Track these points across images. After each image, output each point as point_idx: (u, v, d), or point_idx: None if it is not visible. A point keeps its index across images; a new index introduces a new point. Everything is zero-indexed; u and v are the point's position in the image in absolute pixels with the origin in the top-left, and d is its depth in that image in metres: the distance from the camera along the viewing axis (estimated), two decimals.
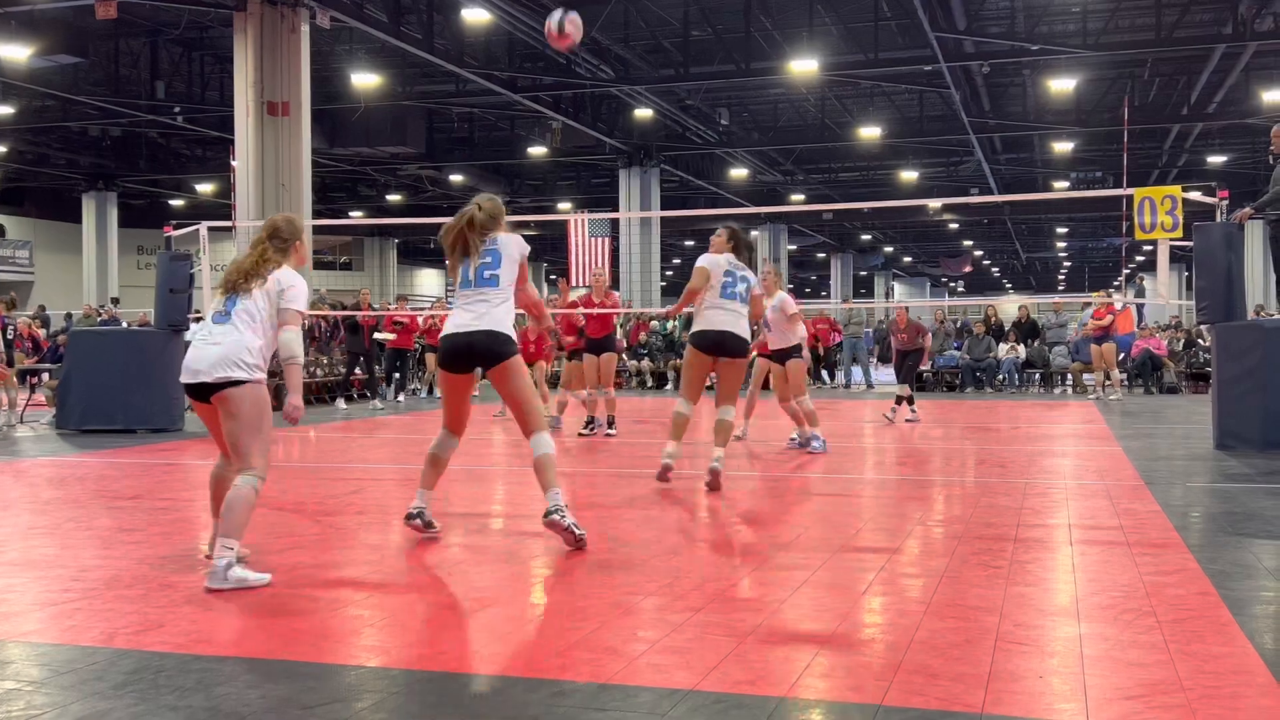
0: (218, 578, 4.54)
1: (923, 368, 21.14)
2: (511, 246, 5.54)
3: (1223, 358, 9.89)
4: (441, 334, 5.51)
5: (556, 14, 7.18)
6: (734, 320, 7.27)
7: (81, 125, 29.84)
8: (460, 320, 5.41)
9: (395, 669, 3.53)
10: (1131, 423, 13.11)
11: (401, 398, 17.66)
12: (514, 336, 5.43)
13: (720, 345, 7.26)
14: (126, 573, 4.93)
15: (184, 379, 4.84)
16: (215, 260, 14.68)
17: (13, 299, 13.72)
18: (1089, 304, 21.34)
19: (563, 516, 5.29)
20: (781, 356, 10.23)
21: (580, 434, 11.63)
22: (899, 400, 13.50)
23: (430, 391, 19.09)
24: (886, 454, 10.25)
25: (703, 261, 7.44)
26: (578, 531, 5.32)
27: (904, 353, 13.69)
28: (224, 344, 4.74)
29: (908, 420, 13.31)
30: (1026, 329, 21.11)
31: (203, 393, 4.79)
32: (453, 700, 3.23)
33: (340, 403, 16.55)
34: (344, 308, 18.90)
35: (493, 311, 5.39)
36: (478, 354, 5.40)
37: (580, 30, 7.25)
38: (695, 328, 7.35)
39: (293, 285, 4.89)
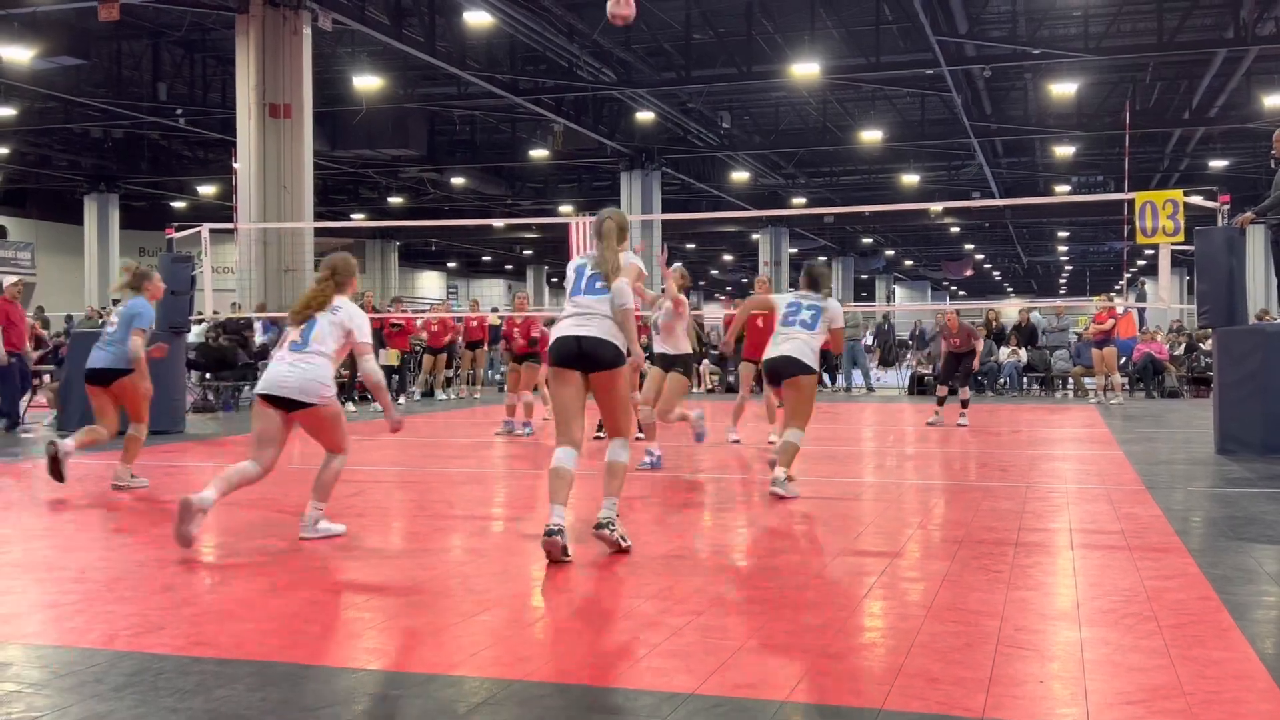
0: (308, 528, 5.69)
1: (924, 372, 21.20)
2: (630, 267, 5.55)
3: (1224, 362, 9.89)
4: (552, 337, 5.53)
5: None
6: (792, 345, 7.34)
7: (83, 127, 29.87)
8: (570, 325, 5.41)
9: (396, 671, 3.53)
10: (1132, 427, 13.10)
11: (402, 400, 17.67)
12: (623, 348, 5.40)
13: (776, 372, 7.40)
14: (127, 575, 4.93)
15: (269, 391, 5.68)
16: (217, 262, 14.74)
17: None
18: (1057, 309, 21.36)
19: (613, 530, 5.28)
20: (668, 364, 9.34)
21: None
22: (963, 404, 13.59)
23: (429, 394, 19.09)
24: (886, 457, 10.25)
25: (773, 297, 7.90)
26: (624, 544, 5.30)
27: (957, 355, 13.78)
28: (306, 370, 5.67)
29: (929, 423, 13.29)
30: (1026, 333, 21.12)
31: (284, 405, 5.68)
32: (452, 703, 3.23)
33: (350, 405, 16.57)
34: None
35: (603, 320, 5.38)
36: (586, 358, 5.35)
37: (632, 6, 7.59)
38: (764, 356, 7.59)
39: (360, 321, 5.85)
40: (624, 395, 5.47)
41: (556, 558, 5.13)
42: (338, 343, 5.79)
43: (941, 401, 13.64)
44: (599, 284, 5.46)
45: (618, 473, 5.39)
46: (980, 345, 14.28)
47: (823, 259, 10.12)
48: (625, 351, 5.40)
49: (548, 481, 5.33)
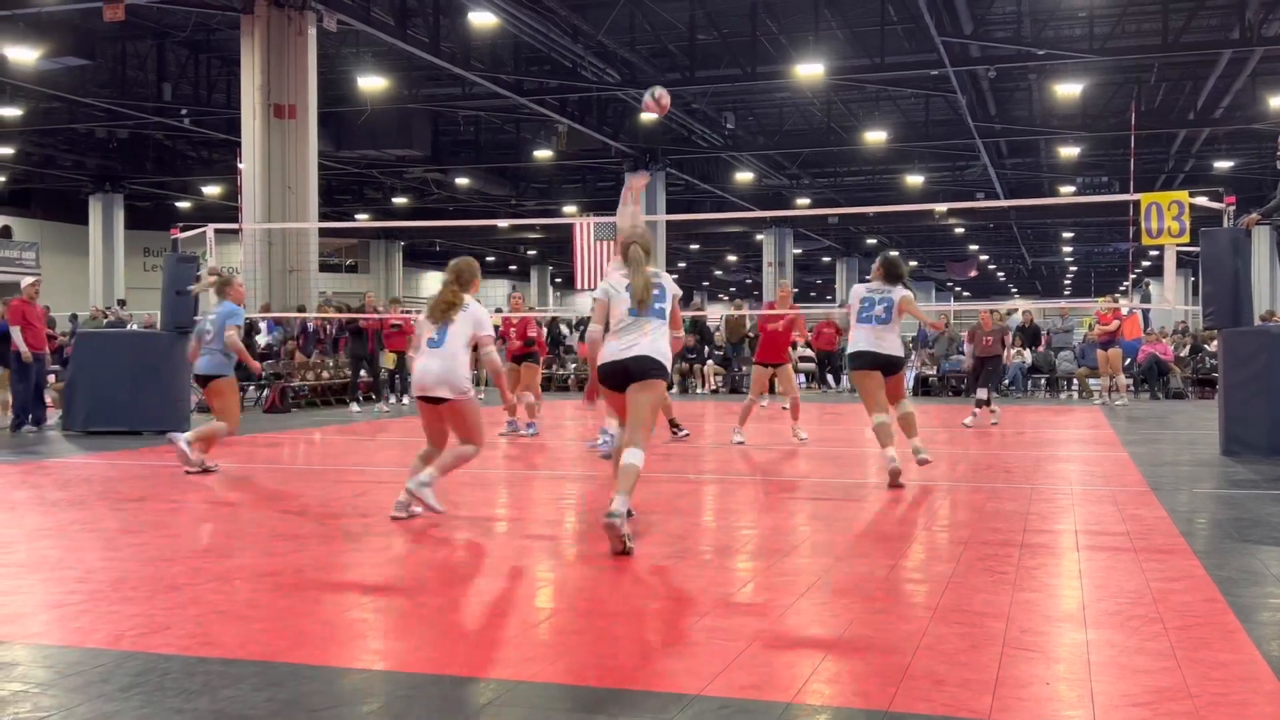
0: (415, 485, 6.32)
1: (929, 372, 21.16)
2: (670, 285, 6.03)
3: (1229, 363, 9.87)
4: (600, 360, 5.86)
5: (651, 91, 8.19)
6: (876, 338, 8.03)
7: (88, 127, 29.90)
8: (621, 345, 5.78)
9: (401, 672, 3.53)
10: (1137, 428, 13.08)
11: (406, 400, 17.67)
12: (665, 363, 5.79)
13: (876, 363, 8.05)
14: (132, 574, 4.93)
15: (417, 393, 6.56)
16: (221, 262, 14.71)
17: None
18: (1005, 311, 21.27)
19: (622, 524, 5.31)
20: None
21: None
22: (979, 404, 13.57)
23: None
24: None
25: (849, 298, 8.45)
26: (629, 544, 5.32)
27: (984, 359, 13.82)
28: (444, 365, 6.40)
29: (992, 424, 13.37)
30: (1029, 334, 21.10)
31: (431, 400, 6.46)
32: (457, 704, 3.23)
33: (354, 406, 16.58)
34: (349, 310, 18.90)
35: (651, 339, 5.78)
36: (631, 374, 5.74)
37: (664, 103, 8.21)
38: (850, 349, 8.28)
39: (482, 317, 6.60)
40: (654, 404, 5.80)
41: (616, 545, 5.30)
42: (467, 338, 6.53)
43: (988, 403, 13.63)
44: (657, 305, 5.88)
45: (631, 474, 5.54)
46: (1012, 347, 14.43)
47: (890, 258, 10.46)
48: (666, 369, 5.79)
49: (616, 474, 5.65)
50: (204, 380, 8.79)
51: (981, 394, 13.63)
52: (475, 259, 6.86)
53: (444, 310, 6.54)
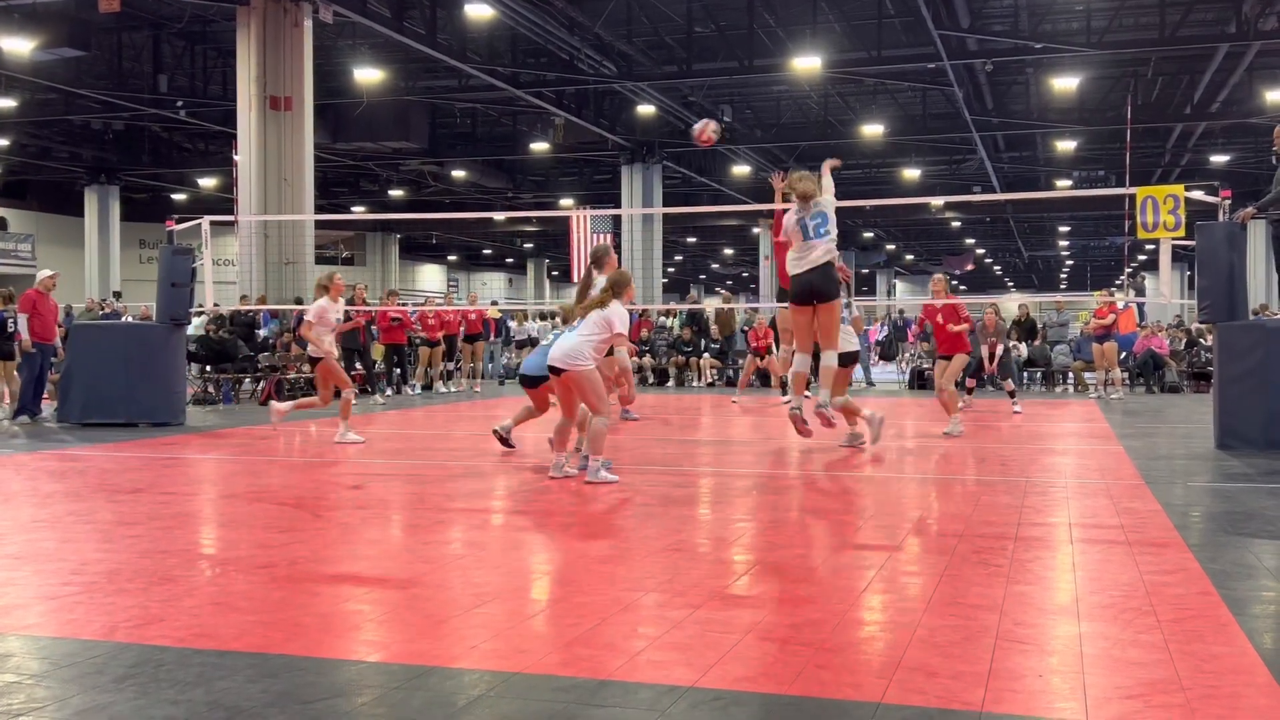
0: (593, 474, 7.46)
1: (926, 366, 21.18)
2: (830, 207, 8.36)
3: (1224, 357, 9.89)
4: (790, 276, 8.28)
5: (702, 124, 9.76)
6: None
7: (84, 119, 29.83)
8: (799, 265, 8.24)
9: (395, 664, 3.53)
10: (1133, 422, 13.10)
11: (406, 391, 17.67)
12: (838, 278, 8.22)
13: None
14: (127, 566, 4.94)
15: (550, 364, 7.66)
16: (217, 254, 14.73)
17: (10, 293, 13.71)
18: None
19: (827, 409, 8.25)
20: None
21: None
22: (967, 391, 14.71)
23: (428, 388, 19.05)
24: (887, 452, 10.24)
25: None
26: (835, 421, 8.47)
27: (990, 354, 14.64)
28: (569, 346, 7.52)
29: (1015, 412, 14.10)
30: (1026, 328, 21.11)
31: (556, 372, 7.59)
32: (451, 695, 3.23)
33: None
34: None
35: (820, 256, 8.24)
36: (814, 290, 8.17)
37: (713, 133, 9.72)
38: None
39: (616, 319, 7.57)
40: (835, 318, 8.20)
41: (800, 429, 8.44)
42: (598, 332, 7.52)
43: (970, 392, 14.96)
44: (813, 226, 8.20)
45: (829, 374, 8.12)
46: (998, 348, 15.21)
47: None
48: (838, 283, 8.18)
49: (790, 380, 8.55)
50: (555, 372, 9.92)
51: (1009, 385, 15.02)
52: (626, 273, 8.04)
53: (589, 307, 7.69)
